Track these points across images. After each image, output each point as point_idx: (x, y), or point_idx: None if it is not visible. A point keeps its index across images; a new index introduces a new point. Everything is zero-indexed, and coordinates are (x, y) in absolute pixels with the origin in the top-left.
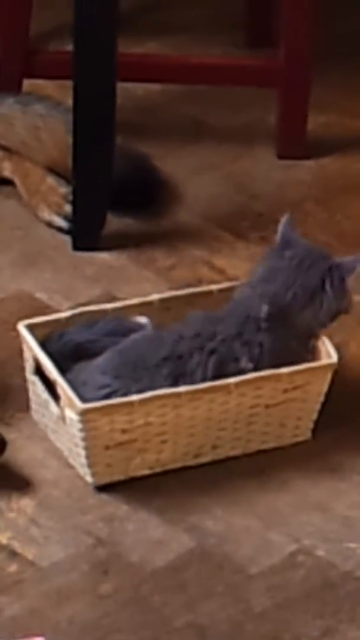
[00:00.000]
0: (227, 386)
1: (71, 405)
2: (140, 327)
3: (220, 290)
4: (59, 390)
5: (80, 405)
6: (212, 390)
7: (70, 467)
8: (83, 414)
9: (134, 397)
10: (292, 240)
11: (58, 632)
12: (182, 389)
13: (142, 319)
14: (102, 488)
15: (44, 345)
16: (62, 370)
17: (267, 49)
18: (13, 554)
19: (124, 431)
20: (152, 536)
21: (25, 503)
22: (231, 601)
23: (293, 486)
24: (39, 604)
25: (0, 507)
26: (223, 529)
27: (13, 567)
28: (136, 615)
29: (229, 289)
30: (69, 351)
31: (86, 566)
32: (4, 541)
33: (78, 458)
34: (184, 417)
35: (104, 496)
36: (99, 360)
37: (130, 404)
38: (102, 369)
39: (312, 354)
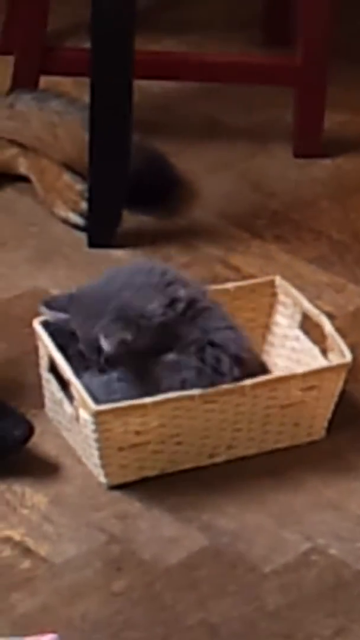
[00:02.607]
0: (242, 388)
1: (85, 406)
2: None
3: (236, 288)
4: (73, 391)
5: (94, 406)
6: (227, 392)
7: (84, 464)
8: (97, 415)
9: (147, 400)
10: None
11: (70, 629)
12: (195, 392)
13: None
14: (115, 485)
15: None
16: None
17: (284, 47)
18: (26, 551)
19: (137, 433)
20: (165, 534)
21: (39, 499)
22: (244, 600)
23: (307, 485)
24: (51, 600)
25: (14, 504)
26: (236, 527)
27: (26, 564)
28: (148, 613)
29: (245, 287)
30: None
31: (99, 563)
32: (17, 537)
33: (91, 458)
34: (198, 420)
35: (117, 493)
36: None
37: (144, 406)
38: None
39: None
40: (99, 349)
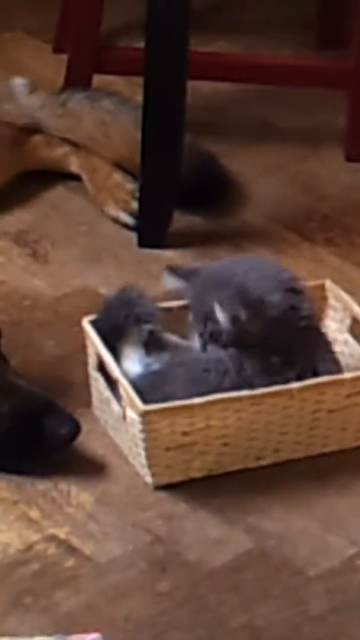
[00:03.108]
0: (289, 391)
1: (132, 405)
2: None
3: None
4: (121, 390)
5: (142, 406)
6: (274, 395)
7: (130, 463)
8: (144, 415)
9: (195, 401)
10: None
11: (114, 629)
12: (243, 393)
13: None
14: (161, 486)
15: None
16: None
17: (338, 49)
18: (71, 549)
19: (184, 433)
20: (210, 535)
21: (84, 498)
22: (288, 603)
23: (353, 490)
24: (95, 599)
25: (60, 502)
26: (282, 530)
27: (70, 562)
28: (192, 614)
29: None
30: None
31: (144, 563)
32: (62, 536)
33: (138, 458)
34: (245, 421)
35: (163, 494)
36: None
37: (191, 407)
38: None
39: None
40: (207, 322)
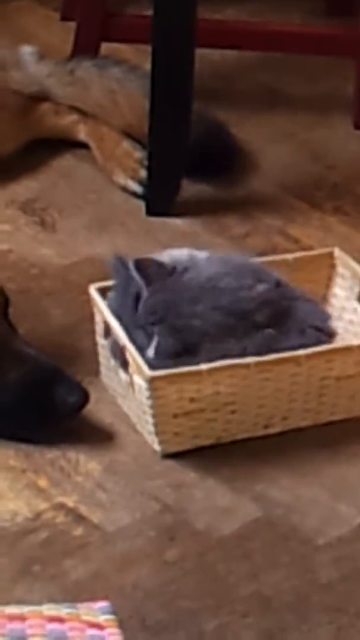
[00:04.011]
0: (297, 358)
1: (140, 372)
2: None
3: (296, 259)
4: (128, 356)
5: (149, 372)
6: (282, 361)
7: (138, 432)
8: (151, 381)
9: (203, 367)
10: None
11: (122, 597)
12: (251, 359)
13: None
14: (169, 454)
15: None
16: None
17: (346, 17)
18: (79, 518)
19: (192, 400)
20: (219, 504)
21: (93, 467)
22: (297, 572)
23: None
24: (103, 568)
25: (68, 470)
26: (290, 499)
27: (79, 531)
28: (201, 583)
29: (304, 259)
30: None
31: (152, 532)
32: (71, 504)
33: (146, 426)
34: (253, 388)
35: (171, 462)
36: None
37: (199, 372)
38: None
39: None
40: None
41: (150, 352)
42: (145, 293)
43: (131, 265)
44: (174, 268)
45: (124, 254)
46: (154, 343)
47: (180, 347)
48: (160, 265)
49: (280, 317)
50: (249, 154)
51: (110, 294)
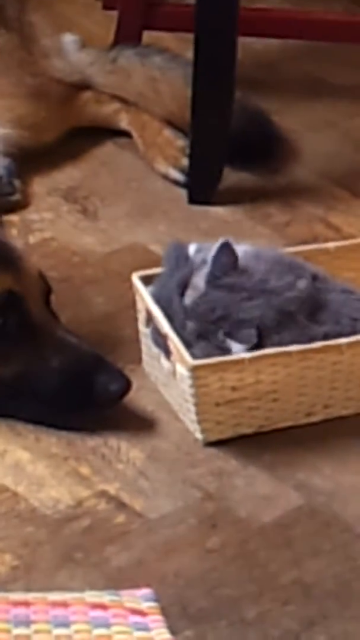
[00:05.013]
0: (338, 346)
1: (182, 360)
2: None
3: (337, 248)
4: (170, 345)
5: (191, 361)
6: (324, 350)
7: (180, 420)
8: (193, 370)
9: (245, 355)
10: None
11: (164, 585)
12: (292, 348)
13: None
14: (211, 442)
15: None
16: None
17: None
18: (121, 505)
19: (234, 389)
20: (260, 492)
21: (135, 455)
22: (338, 559)
23: None
24: (145, 555)
25: (110, 458)
26: (332, 487)
27: (121, 518)
28: (242, 571)
29: (345, 247)
30: None
31: (194, 520)
32: (112, 492)
33: (188, 414)
34: (294, 376)
35: (213, 450)
36: None
37: (241, 361)
38: None
39: None
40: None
41: (236, 346)
42: (199, 283)
43: (214, 248)
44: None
45: (167, 242)
46: (235, 340)
47: (257, 339)
48: (235, 263)
49: (316, 310)
50: (290, 142)
51: (155, 282)
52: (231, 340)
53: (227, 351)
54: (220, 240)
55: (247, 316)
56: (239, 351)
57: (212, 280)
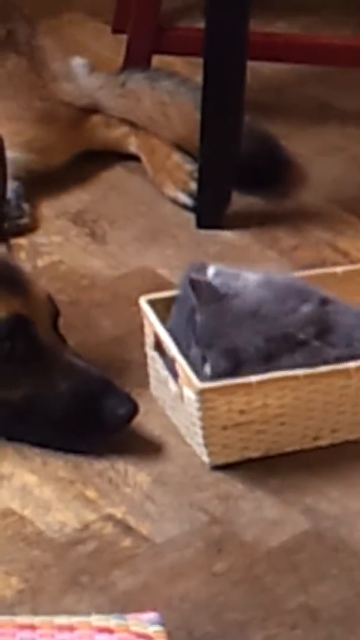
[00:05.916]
0: (346, 370)
1: (189, 384)
2: None
3: (344, 272)
4: (178, 368)
5: (199, 384)
6: (332, 374)
7: (187, 444)
8: (201, 393)
9: (252, 378)
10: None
11: (170, 609)
12: (300, 371)
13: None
14: (218, 466)
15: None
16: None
17: None
18: (127, 529)
19: (241, 412)
20: (267, 516)
21: (142, 478)
22: (345, 584)
23: None
24: (152, 579)
25: (116, 482)
26: (339, 511)
27: (127, 542)
28: (249, 595)
29: (353, 271)
30: None
31: (200, 543)
32: (119, 515)
33: (195, 437)
34: (302, 400)
35: (219, 474)
36: None
37: (249, 385)
38: None
39: None
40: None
41: (207, 369)
42: (198, 313)
43: (187, 282)
44: (225, 294)
45: (175, 266)
46: (208, 364)
47: (230, 368)
48: (213, 289)
49: (325, 334)
50: (298, 167)
51: (174, 307)
52: (205, 365)
53: (206, 377)
54: (187, 276)
55: (224, 342)
56: (206, 376)
57: (203, 306)
